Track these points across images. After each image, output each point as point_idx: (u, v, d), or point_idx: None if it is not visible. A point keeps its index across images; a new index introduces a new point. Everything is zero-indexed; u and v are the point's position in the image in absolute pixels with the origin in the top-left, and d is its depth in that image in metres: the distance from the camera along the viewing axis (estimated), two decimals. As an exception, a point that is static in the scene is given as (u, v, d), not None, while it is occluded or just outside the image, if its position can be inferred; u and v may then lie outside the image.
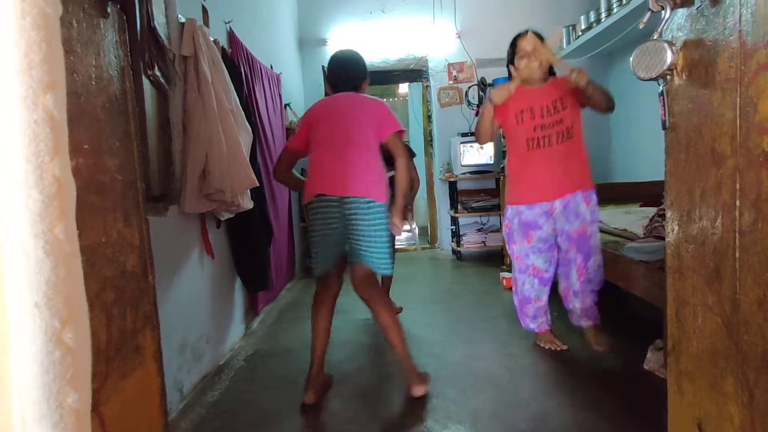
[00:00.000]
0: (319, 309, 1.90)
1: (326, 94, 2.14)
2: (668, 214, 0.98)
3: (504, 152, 4.56)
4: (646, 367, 1.91)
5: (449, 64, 4.68)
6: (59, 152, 0.42)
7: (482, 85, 4.61)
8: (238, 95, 2.20)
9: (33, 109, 0.40)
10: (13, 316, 0.39)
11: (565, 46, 4.36)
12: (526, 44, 2.04)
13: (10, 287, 0.39)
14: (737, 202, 0.74)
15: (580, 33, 4.00)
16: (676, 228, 0.95)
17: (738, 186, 0.74)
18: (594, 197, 2.19)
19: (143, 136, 1.56)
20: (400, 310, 2.91)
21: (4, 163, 0.39)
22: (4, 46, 0.39)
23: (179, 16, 1.89)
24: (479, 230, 4.49)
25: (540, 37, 2.04)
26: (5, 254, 0.39)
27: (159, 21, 1.70)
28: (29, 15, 0.40)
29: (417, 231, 6.37)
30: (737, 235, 0.75)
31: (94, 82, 0.91)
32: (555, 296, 2.33)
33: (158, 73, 1.66)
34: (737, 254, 0.75)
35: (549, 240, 2.16)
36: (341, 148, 1.90)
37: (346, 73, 2.08)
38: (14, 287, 0.39)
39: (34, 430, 0.38)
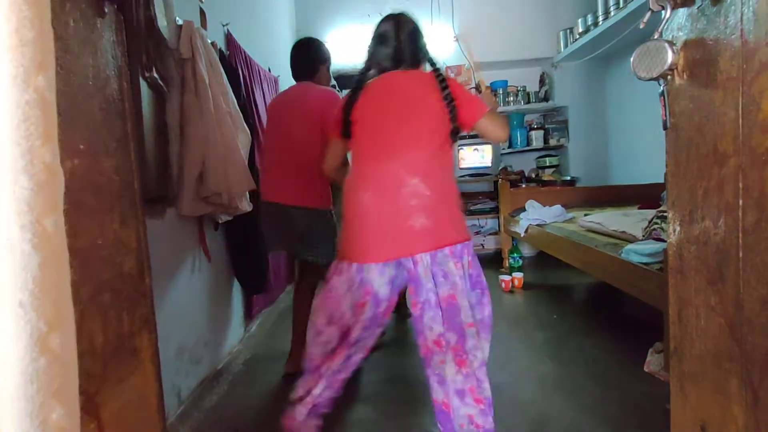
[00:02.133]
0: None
1: None
2: (670, 214, 0.97)
3: (502, 155, 4.59)
4: (646, 369, 1.90)
5: (447, 67, 4.68)
6: (50, 138, 0.38)
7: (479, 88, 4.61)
8: (235, 97, 2.19)
9: (24, 89, 0.37)
10: None
11: (561, 50, 4.37)
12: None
13: None
14: (740, 202, 0.74)
15: (578, 36, 4.02)
16: (678, 228, 0.94)
17: (741, 185, 0.73)
18: None
19: (140, 137, 1.55)
20: (409, 315, 2.90)
21: None
22: None
23: (177, 18, 1.89)
24: (477, 233, 4.49)
25: None
26: None
27: (161, 24, 1.69)
28: None
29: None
30: (740, 234, 0.74)
31: (90, 82, 0.90)
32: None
33: (156, 75, 1.65)
34: (740, 254, 0.75)
35: None
36: (279, 152, 2.00)
37: (298, 60, 2.06)
38: (-4, 283, 0.33)
39: None
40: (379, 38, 1.54)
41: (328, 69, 2.10)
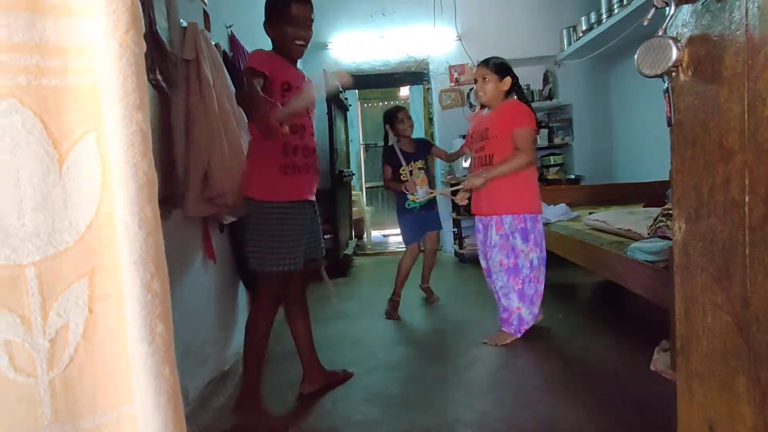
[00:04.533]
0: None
1: None
2: (675, 211, 0.97)
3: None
4: (652, 368, 1.89)
5: (450, 66, 4.68)
6: (147, 155, 0.56)
7: (483, 86, 4.61)
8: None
9: (129, 124, 0.55)
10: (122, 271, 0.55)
11: (565, 48, 4.36)
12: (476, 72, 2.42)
13: (119, 249, 0.55)
14: (746, 198, 0.73)
15: (581, 34, 4.00)
16: (684, 225, 0.94)
17: (747, 182, 0.73)
18: (508, 222, 2.28)
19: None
20: (437, 299, 3.14)
21: (111, 164, 0.55)
22: (108, 80, 0.54)
23: (181, 20, 1.90)
24: (482, 232, 4.48)
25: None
26: (115, 226, 0.56)
27: (161, 25, 1.70)
28: (125, 56, 0.55)
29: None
30: (747, 231, 0.74)
31: (96, 85, 0.91)
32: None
33: (159, 77, 1.66)
34: (747, 251, 0.74)
35: (483, 245, 2.44)
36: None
37: None
38: (121, 249, 0.55)
39: (137, 347, 0.56)
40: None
41: (273, 24, 1.68)
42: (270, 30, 1.70)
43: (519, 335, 2.31)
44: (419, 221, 3.01)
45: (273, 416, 1.73)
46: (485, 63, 2.37)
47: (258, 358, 1.72)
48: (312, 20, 1.71)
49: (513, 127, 2.22)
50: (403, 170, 2.95)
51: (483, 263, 2.47)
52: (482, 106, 2.49)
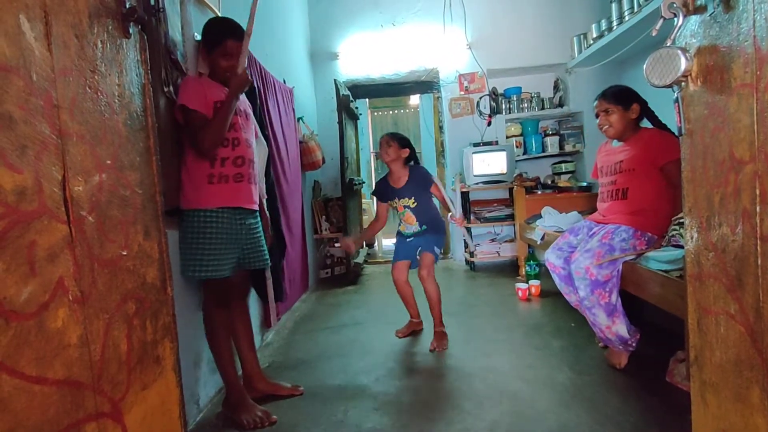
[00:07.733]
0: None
1: None
2: (687, 221, 0.97)
3: (517, 161, 4.58)
4: (668, 379, 1.86)
5: (460, 75, 4.70)
6: None
7: (494, 95, 4.62)
8: (252, 109, 2.23)
9: None
10: None
11: (576, 55, 4.36)
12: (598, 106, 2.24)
13: None
14: (757, 208, 0.73)
15: (592, 41, 4.00)
16: (696, 235, 0.94)
17: (758, 191, 0.73)
18: (624, 235, 2.11)
19: (161, 150, 1.59)
20: (445, 346, 2.55)
21: None
22: None
23: (195, 34, 1.94)
24: (493, 240, 4.46)
25: None
26: None
27: (175, 39, 1.74)
28: None
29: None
30: (758, 241, 0.73)
31: (116, 100, 0.94)
32: (568, 306, 2.30)
33: (172, 90, 1.70)
34: (759, 261, 0.74)
35: (569, 245, 2.36)
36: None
37: None
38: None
39: None
40: None
41: (213, 48, 1.77)
42: (207, 57, 1.82)
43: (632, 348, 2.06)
44: (409, 246, 2.75)
45: (259, 410, 1.79)
46: (603, 95, 2.22)
47: (225, 358, 1.80)
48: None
49: (661, 162, 2.06)
50: (393, 204, 2.77)
51: (557, 261, 2.31)
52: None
